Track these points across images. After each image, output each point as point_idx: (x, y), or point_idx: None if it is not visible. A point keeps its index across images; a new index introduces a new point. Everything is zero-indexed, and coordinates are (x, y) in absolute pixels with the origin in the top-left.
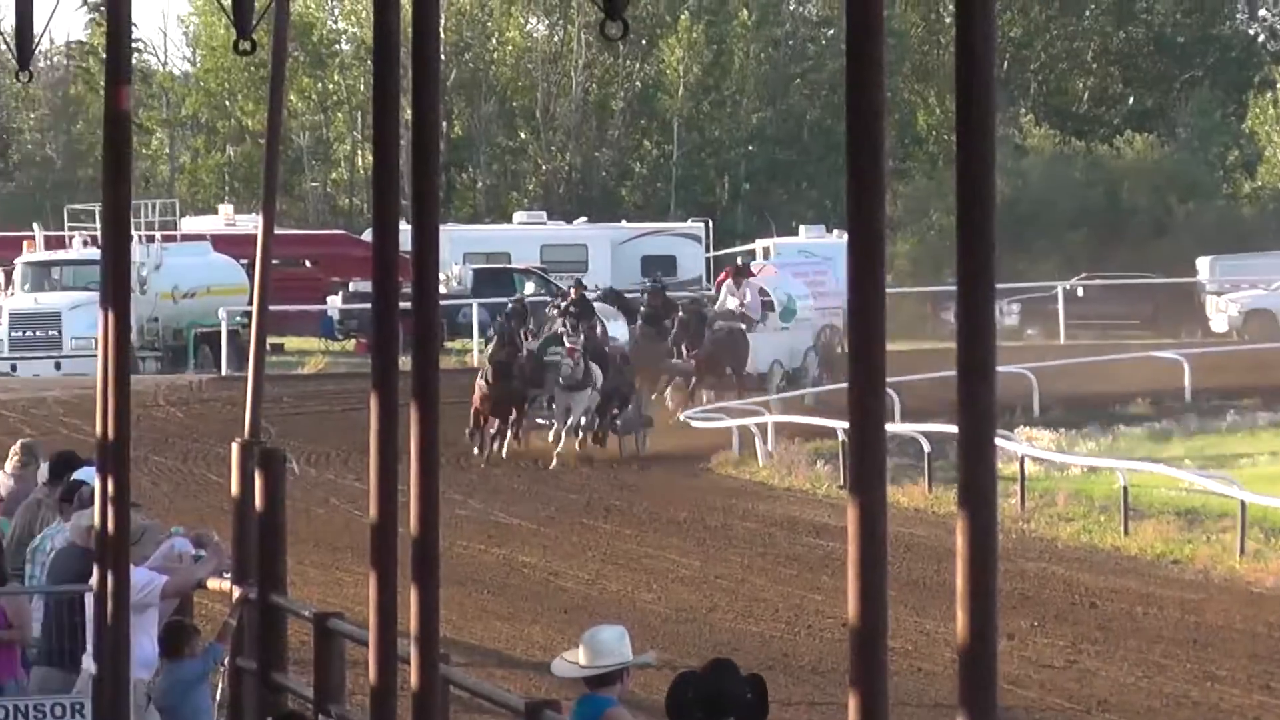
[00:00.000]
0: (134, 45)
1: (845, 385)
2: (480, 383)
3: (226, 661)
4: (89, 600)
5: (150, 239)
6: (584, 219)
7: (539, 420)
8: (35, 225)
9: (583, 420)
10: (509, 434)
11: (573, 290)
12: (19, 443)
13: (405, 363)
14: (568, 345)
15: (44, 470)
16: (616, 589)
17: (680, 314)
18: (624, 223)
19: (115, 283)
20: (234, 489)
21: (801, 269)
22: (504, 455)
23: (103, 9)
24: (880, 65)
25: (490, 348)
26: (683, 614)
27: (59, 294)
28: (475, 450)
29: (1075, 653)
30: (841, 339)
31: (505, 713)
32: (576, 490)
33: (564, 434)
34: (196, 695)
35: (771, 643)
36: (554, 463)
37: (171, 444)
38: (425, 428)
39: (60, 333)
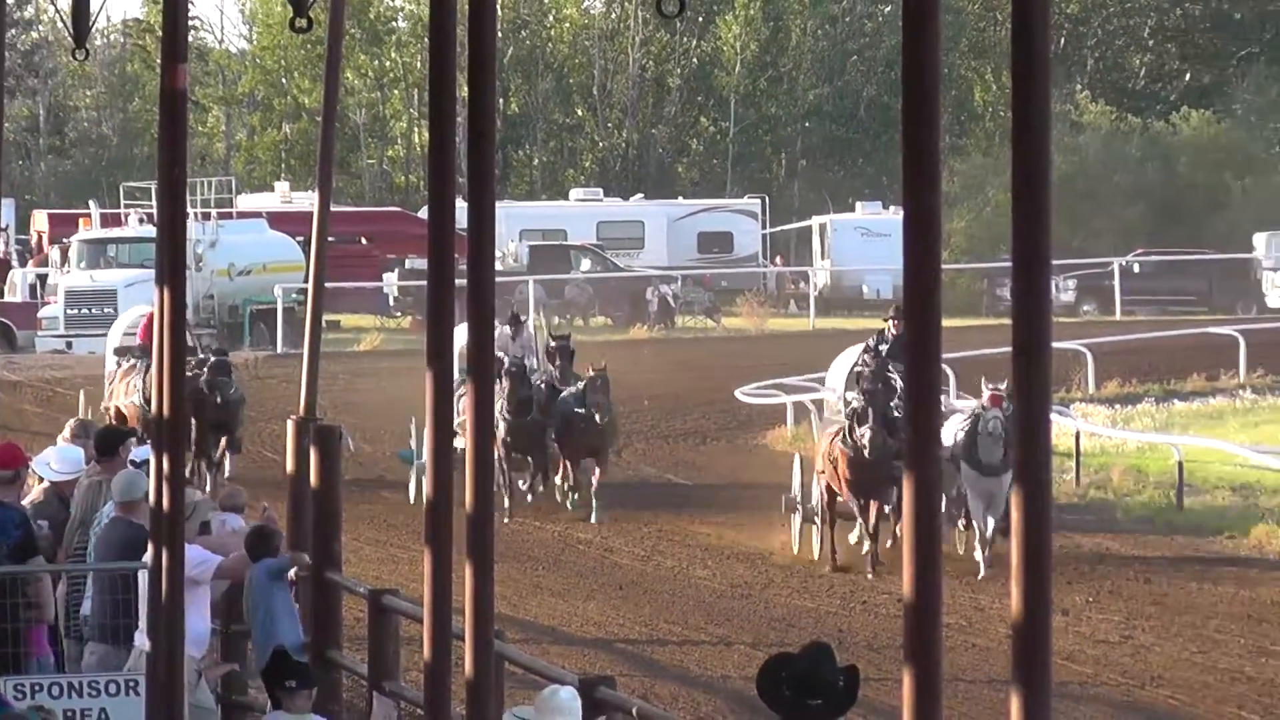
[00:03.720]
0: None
1: None
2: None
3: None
4: (141, 577)
5: (206, 216)
6: (640, 196)
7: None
8: (91, 203)
9: None
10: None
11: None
12: (73, 420)
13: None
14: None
15: (88, 448)
16: (671, 565)
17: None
18: (680, 199)
19: (171, 260)
20: (289, 466)
21: None
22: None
23: None
24: (936, 42)
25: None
26: (738, 590)
27: (115, 271)
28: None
29: (1130, 628)
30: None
31: None
32: (631, 468)
33: None
34: (278, 591)
35: (827, 619)
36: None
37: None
38: (480, 404)
39: (116, 310)
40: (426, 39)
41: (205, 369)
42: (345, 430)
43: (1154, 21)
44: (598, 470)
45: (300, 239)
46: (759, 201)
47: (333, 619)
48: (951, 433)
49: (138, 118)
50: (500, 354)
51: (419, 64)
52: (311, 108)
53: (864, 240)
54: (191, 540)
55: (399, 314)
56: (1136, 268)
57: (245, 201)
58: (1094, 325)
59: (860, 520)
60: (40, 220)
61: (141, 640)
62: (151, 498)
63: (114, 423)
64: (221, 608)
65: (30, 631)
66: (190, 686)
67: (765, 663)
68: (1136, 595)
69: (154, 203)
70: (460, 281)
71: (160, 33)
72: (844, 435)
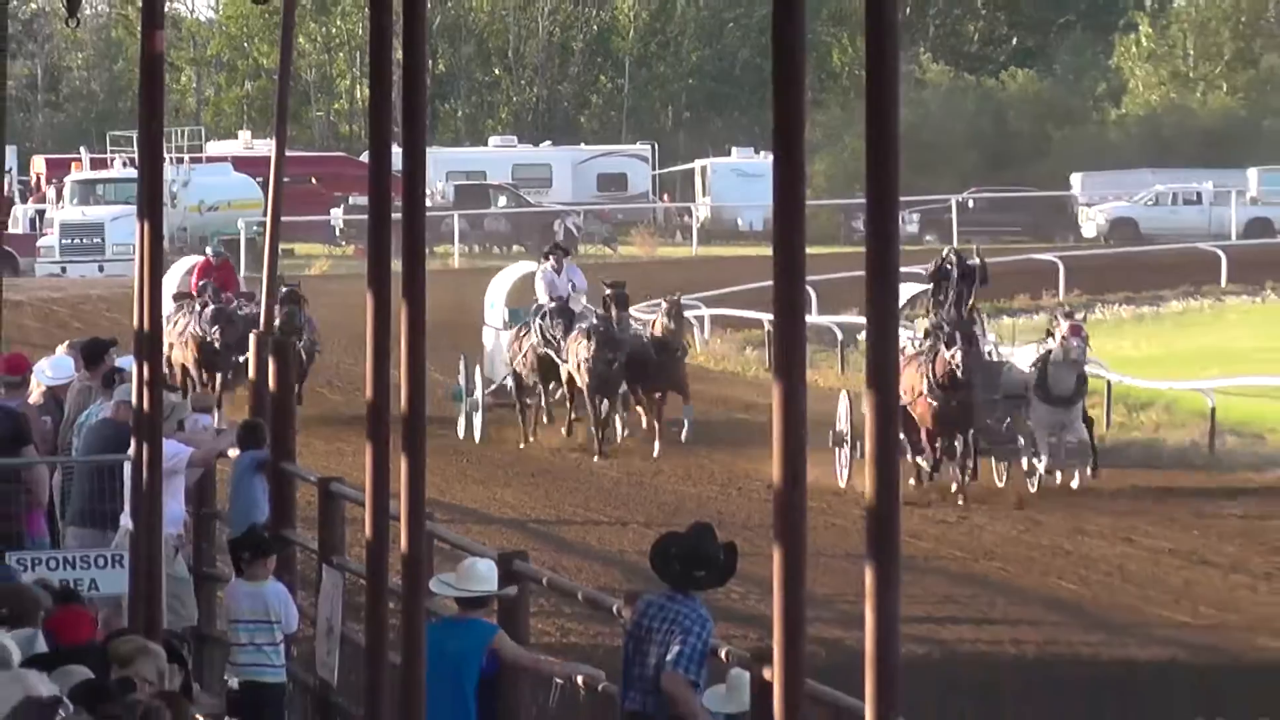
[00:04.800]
0: None
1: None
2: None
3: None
4: (127, 468)
5: (180, 160)
6: (549, 142)
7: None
8: (82, 149)
9: None
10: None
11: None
12: (66, 343)
13: (396, 265)
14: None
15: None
16: (577, 458)
17: None
18: (583, 146)
19: (150, 198)
20: (251, 373)
21: None
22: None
23: None
24: (802, 11)
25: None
26: (632, 477)
27: (102, 207)
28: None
29: (966, 510)
30: None
31: None
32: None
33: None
34: (257, 479)
35: (708, 503)
36: None
37: None
38: (414, 319)
39: (103, 240)
40: (368, 9)
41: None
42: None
43: None
44: (685, 402)
45: (259, 180)
46: (650, 147)
47: (288, 503)
48: (1025, 364)
49: (121, 77)
50: (544, 292)
51: (361, 30)
52: (269, 68)
53: (739, 180)
54: (170, 436)
55: (344, 243)
56: (971, 204)
57: (213, 148)
58: (934, 252)
59: (929, 453)
60: (39, 164)
61: (126, 521)
62: (134, 399)
63: (179, 374)
64: (194, 494)
65: (28, 515)
66: (167, 560)
67: (657, 540)
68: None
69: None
70: (395, 215)
71: (140, 4)
72: (929, 364)
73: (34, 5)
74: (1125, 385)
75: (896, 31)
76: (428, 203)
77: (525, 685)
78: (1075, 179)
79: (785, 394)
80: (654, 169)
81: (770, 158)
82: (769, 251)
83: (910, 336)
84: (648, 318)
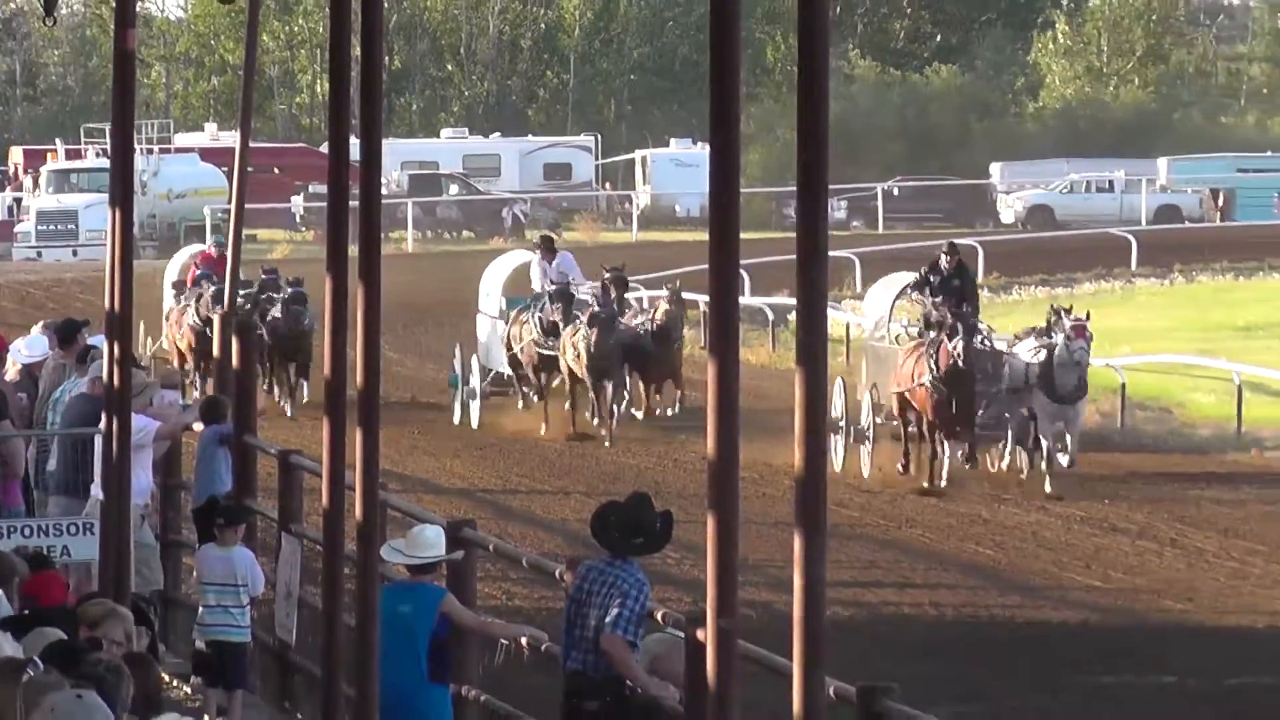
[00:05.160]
0: None
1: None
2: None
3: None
4: (98, 441)
5: (150, 151)
6: (498, 134)
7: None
8: (58, 140)
9: None
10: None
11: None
12: (41, 323)
13: (354, 250)
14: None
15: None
16: (527, 428)
17: None
18: (530, 137)
19: (121, 186)
20: (216, 351)
21: None
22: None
23: None
24: (737, 10)
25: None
26: (574, 449)
27: (76, 195)
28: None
29: (887, 480)
30: None
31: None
32: None
33: None
34: (220, 451)
35: (646, 473)
36: None
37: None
38: (369, 301)
39: (77, 226)
40: (328, 8)
41: (282, 299)
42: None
43: None
44: (677, 392)
45: (224, 169)
46: (593, 139)
47: (250, 474)
48: (1025, 357)
49: (95, 72)
50: (537, 281)
51: (322, 29)
52: (235, 64)
53: (677, 169)
54: (140, 412)
55: (304, 229)
56: (896, 191)
57: (181, 139)
58: (861, 237)
59: (932, 439)
60: (16, 155)
61: (97, 491)
62: (105, 377)
63: (179, 363)
64: (161, 466)
65: (4, 485)
66: (135, 528)
67: (599, 509)
68: (894, 455)
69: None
70: (353, 203)
71: (114, 3)
72: (930, 355)
73: (12, 4)
74: None
75: (827, 29)
76: (383, 191)
77: (473, 646)
78: (994, 168)
79: (720, 371)
80: (597, 159)
81: (707, 148)
82: (705, 236)
83: (904, 326)
84: (651, 293)
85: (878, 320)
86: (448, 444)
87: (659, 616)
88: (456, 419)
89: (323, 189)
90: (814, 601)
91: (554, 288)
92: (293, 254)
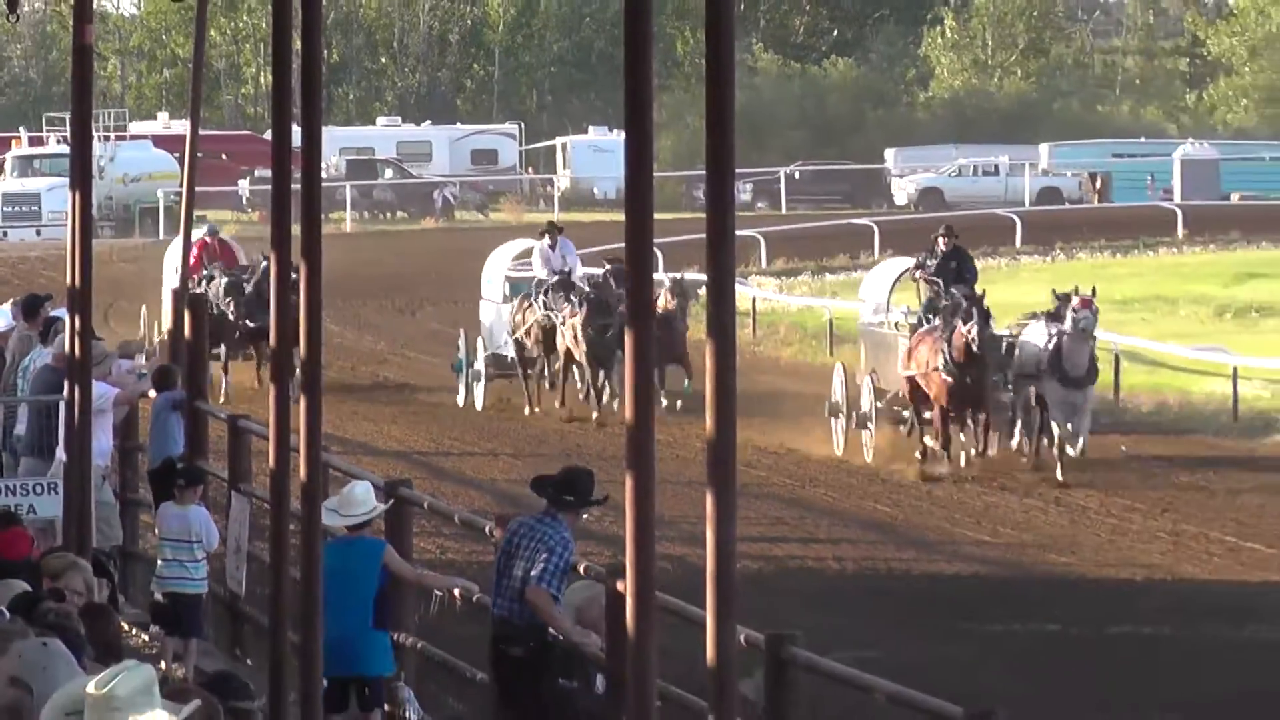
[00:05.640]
0: None
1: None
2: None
3: None
4: (62, 407)
5: (107, 138)
6: (429, 122)
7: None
8: (21, 129)
9: None
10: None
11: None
12: (10, 301)
13: (296, 229)
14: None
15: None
16: (452, 400)
17: None
18: (458, 125)
19: (81, 171)
20: (169, 323)
21: None
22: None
23: None
24: (649, 7)
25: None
26: (504, 414)
27: (39, 179)
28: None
29: (792, 441)
30: None
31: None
32: (435, 323)
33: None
34: (173, 416)
35: (569, 437)
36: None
37: (123, 290)
38: (311, 276)
39: (40, 208)
40: (271, 6)
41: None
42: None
43: None
44: (686, 375)
45: (176, 155)
46: (517, 127)
47: (202, 437)
48: (1032, 344)
49: (55, 65)
50: (541, 267)
51: (265, 25)
52: (185, 58)
53: (595, 155)
54: (100, 380)
55: (250, 210)
56: (797, 175)
57: (135, 127)
58: (766, 218)
59: (939, 429)
60: None
61: (60, 453)
62: (67, 348)
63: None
64: (120, 429)
65: None
66: (96, 487)
67: (535, 477)
68: (792, 415)
69: (68, 129)
70: (295, 186)
71: (73, 1)
72: (944, 341)
73: None
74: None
75: (733, 25)
76: (323, 175)
77: (409, 596)
78: (888, 154)
79: (636, 340)
80: (521, 145)
81: (622, 135)
82: (621, 217)
83: (904, 313)
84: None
85: (875, 306)
86: (386, 411)
87: (581, 569)
88: (461, 401)
89: (267, 173)
90: (725, 556)
91: (555, 278)
92: (240, 233)
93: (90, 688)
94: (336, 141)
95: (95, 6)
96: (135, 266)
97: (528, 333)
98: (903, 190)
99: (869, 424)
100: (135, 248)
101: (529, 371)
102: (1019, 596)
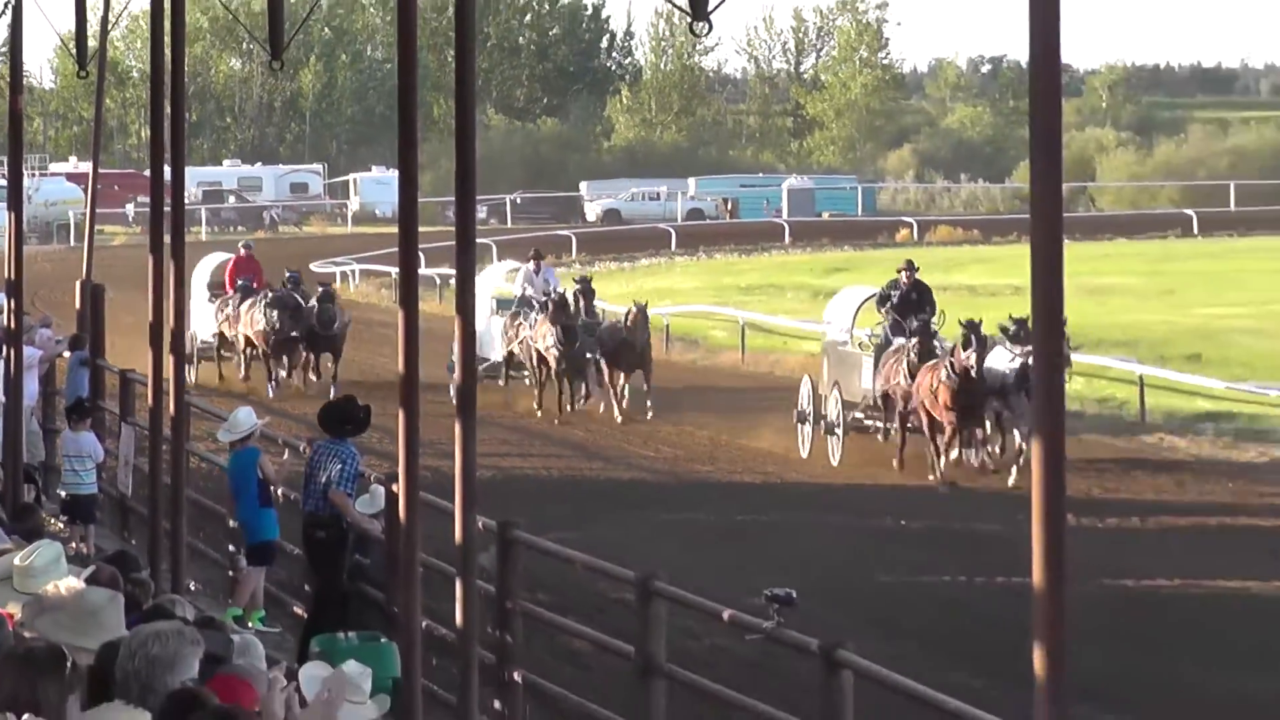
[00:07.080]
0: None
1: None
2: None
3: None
4: (0, 364)
5: (33, 175)
6: (260, 163)
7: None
8: None
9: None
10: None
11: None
12: None
13: (167, 239)
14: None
15: None
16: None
17: None
18: (281, 166)
19: (13, 197)
20: (78, 305)
21: None
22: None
23: (5, 51)
24: (415, 83)
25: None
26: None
27: None
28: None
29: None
30: None
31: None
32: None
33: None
34: (82, 370)
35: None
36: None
37: (46, 283)
38: (178, 272)
39: None
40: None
41: (317, 298)
42: (107, 287)
43: (527, 72)
44: (646, 380)
45: (82, 186)
46: (322, 166)
47: (100, 385)
48: (998, 366)
49: None
50: (526, 289)
51: (144, 95)
52: (88, 117)
53: (378, 186)
54: (29, 344)
55: (135, 225)
56: (519, 200)
57: (54, 167)
58: (496, 230)
59: (943, 452)
60: None
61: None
62: (4, 322)
63: (244, 348)
64: (44, 379)
65: None
66: (27, 420)
67: (320, 407)
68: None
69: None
70: (166, 208)
71: (8, 77)
72: (947, 364)
73: None
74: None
75: (474, 94)
76: (185, 200)
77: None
78: (582, 185)
79: (406, 318)
80: (325, 179)
81: (396, 172)
82: (396, 230)
83: (868, 335)
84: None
85: (841, 327)
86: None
87: (370, 476)
88: (454, 402)
89: (146, 200)
90: (468, 465)
91: (543, 299)
92: (127, 241)
93: (16, 560)
94: (195, 177)
95: (25, 81)
96: (53, 265)
97: (521, 346)
98: (592, 210)
99: (835, 431)
100: (54, 252)
101: (513, 375)
102: (674, 495)
